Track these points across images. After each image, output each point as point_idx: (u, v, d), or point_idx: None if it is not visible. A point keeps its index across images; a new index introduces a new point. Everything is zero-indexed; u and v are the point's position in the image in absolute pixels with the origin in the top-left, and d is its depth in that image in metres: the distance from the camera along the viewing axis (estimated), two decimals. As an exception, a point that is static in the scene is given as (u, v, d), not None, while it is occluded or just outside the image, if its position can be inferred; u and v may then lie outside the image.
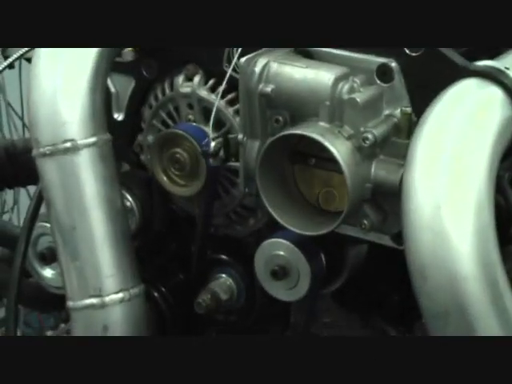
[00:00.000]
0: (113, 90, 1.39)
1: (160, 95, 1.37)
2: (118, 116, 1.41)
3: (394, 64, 1.22)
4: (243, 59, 1.24)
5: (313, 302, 1.32)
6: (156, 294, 1.39)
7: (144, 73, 1.39)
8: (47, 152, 1.30)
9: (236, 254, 1.39)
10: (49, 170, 1.31)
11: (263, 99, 1.24)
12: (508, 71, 1.17)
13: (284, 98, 1.24)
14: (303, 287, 1.28)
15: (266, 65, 1.24)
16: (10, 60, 1.47)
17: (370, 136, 1.18)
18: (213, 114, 1.29)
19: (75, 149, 1.29)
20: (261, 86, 1.24)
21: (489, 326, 1.10)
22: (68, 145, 1.29)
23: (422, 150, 1.12)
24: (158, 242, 1.42)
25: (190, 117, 1.35)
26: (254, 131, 1.26)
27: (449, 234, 1.08)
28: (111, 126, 1.37)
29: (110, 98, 1.42)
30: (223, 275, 1.39)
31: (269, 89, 1.23)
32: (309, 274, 1.27)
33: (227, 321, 1.41)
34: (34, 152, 1.31)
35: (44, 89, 1.31)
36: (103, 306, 1.31)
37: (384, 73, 1.23)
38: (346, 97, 1.20)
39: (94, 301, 1.31)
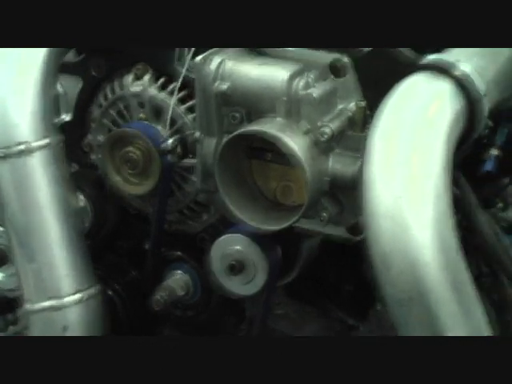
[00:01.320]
0: (60, 90, 1.38)
1: (110, 94, 1.38)
2: (66, 116, 1.40)
3: (346, 59, 1.24)
4: (198, 58, 1.25)
5: (269, 296, 1.32)
6: (110, 292, 1.38)
7: (93, 72, 1.39)
8: (1, 155, 1.30)
9: (190, 250, 1.40)
10: (3, 172, 1.31)
11: (219, 97, 1.25)
12: (459, 63, 1.18)
13: (240, 95, 1.25)
14: (260, 281, 1.29)
15: (221, 63, 1.25)
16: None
17: (327, 130, 1.20)
18: (169, 112, 1.32)
19: (28, 151, 1.30)
20: (216, 84, 1.25)
21: (450, 310, 1.12)
22: (21, 147, 1.30)
23: (380, 143, 1.13)
24: (111, 239, 1.42)
25: (141, 115, 1.36)
26: (211, 128, 1.27)
27: (409, 223, 1.10)
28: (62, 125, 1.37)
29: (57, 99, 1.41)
30: (179, 271, 1.40)
31: (224, 86, 1.24)
32: (266, 268, 1.29)
33: (184, 316, 1.42)
34: None
35: None
36: (61, 307, 1.33)
37: (337, 68, 1.25)
38: (301, 92, 1.22)
39: (52, 302, 1.32)
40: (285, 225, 1.22)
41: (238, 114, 1.26)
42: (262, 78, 1.25)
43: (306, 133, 1.22)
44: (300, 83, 1.23)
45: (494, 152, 1.34)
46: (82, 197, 1.37)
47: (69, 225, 1.33)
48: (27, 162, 1.31)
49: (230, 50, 1.28)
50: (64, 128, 1.38)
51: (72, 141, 1.38)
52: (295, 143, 1.19)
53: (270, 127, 1.21)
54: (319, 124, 1.22)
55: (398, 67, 1.22)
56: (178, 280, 1.39)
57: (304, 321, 1.46)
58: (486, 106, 1.21)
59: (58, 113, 1.41)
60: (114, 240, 1.44)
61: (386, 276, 1.12)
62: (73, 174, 1.36)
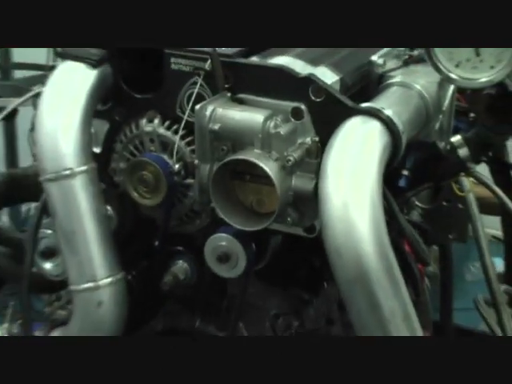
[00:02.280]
0: (92, 130, 1.40)
1: (128, 133, 1.42)
2: (97, 149, 1.43)
3: (303, 106, 1.29)
4: (198, 106, 1.29)
5: (247, 277, 1.38)
6: (129, 277, 1.40)
7: (116, 117, 1.44)
8: (52, 178, 1.35)
9: (188, 246, 1.45)
10: (53, 191, 1.36)
11: (212, 134, 1.29)
12: (383, 109, 1.25)
13: (227, 132, 1.29)
14: (240, 267, 1.34)
15: (213, 110, 1.29)
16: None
17: (291, 158, 1.26)
18: (175, 147, 1.34)
19: (73, 175, 1.34)
20: (210, 125, 1.29)
21: (383, 286, 1.18)
22: (67, 172, 1.35)
23: (331, 167, 1.21)
24: (130, 238, 1.44)
25: (152, 148, 1.40)
26: (206, 157, 1.31)
27: (354, 224, 1.17)
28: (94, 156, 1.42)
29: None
30: (180, 261, 1.44)
31: (216, 127, 1.28)
32: (244, 258, 1.33)
33: (184, 294, 1.44)
34: (41, 178, 1.37)
35: (46, 128, 1.35)
36: (97, 288, 1.37)
37: (296, 113, 1.29)
38: (272, 131, 1.27)
39: (90, 285, 1.37)
40: (261, 227, 1.28)
41: (225, 147, 1.31)
42: (243, 121, 1.29)
43: (276, 160, 1.27)
44: (271, 124, 1.29)
45: (405, 172, 1.37)
46: (109, 207, 1.38)
47: (101, 228, 1.39)
48: (71, 183, 1.36)
49: (219, 100, 1.31)
50: (95, 158, 1.41)
51: (101, 167, 1.40)
52: (269, 168, 1.24)
53: (250, 156, 1.26)
54: (285, 154, 1.28)
55: (341, 112, 1.24)
56: (179, 267, 1.44)
57: (270, 295, 1.47)
58: (404, 139, 1.25)
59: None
60: (132, 239, 1.43)
61: (338, 262, 1.19)
62: (102, 191, 1.35)
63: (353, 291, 1.18)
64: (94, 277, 1.35)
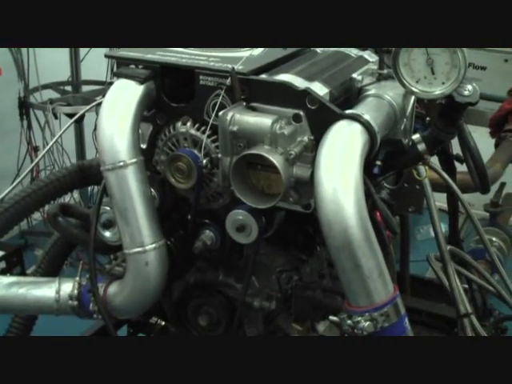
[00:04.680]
0: (140, 131, 1.32)
1: (167, 133, 1.34)
2: (143, 145, 1.35)
3: (301, 113, 1.21)
4: (221, 113, 1.22)
5: (259, 243, 1.30)
6: (169, 242, 1.33)
7: (158, 121, 1.35)
8: (110, 168, 1.27)
9: (214, 219, 1.37)
10: (111, 178, 1.28)
11: (231, 134, 1.22)
12: (363, 115, 1.18)
13: (243, 133, 1.22)
14: (253, 235, 1.27)
15: (233, 115, 1.22)
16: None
17: (293, 152, 1.19)
18: (203, 144, 1.27)
19: (125, 166, 1.26)
20: (230, 127, 1.22)
21: (364, 252, 1.12)
22: (121, 164, 1.26)
23: (323, 159, 1.14)
24: (169, 214, 1.37)
25: (185, 145, 1.32)
26: (227, 152, 1.24)
27: (341, 204, 1.10)
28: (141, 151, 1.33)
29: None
30: (207, 231, 1.37)
31: (235, 128, 1.21)
32: (257, 228, 1.26)
33: (210, 256, 1.37)
34: (102, 168, 1.28)
35: (105, 130, 1.27)
36: (145, 251, 1.29)
37: (297, 118, 1.22)
38: (278, 131, 1.20)
39: (139, 249, 1.29)
40: (270, 205, 1.21)
41: (242, 144, 1.23)
42: (255, 123, 1.21)
43: (281, 154, 1.20)
44: (277, 126, 1.21)
45: (379, 163, 1.29)
46: (153, 190, 1.30)
47: (147, 205, 1.30)
48: (124, 172, 1.27)
49: (237, 108, 1.24)
50: (142, 152, 1.32)
51: (146, 159, 1.32)
52: (275, 160, 1.17)
53: (261, 151, 1.19)
54: (288, 149, 1.20)
55: (330, 116, 1.17)
56: (207, 235, 1.36)
57: (276, 256, 1.41)
58: (379, 138, 1.18)
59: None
60: (171, 214, 1.36)
61: (328, 233, 1.12)
62: (148, 177, 1.27)
63: (340, 255, 1.11)
64: (142, 243, 1.26)
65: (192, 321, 1.46)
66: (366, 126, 1.16)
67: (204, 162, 1.26)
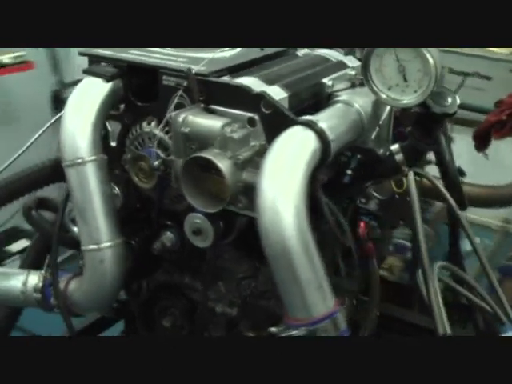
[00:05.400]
0: (110, 129, 1.32)
1: (134, 132, 1.33)
2: (113, 143, 1.34)
3: (256, 117, 1.18)
4: (173, 114, 1.20)
5: (216, 247, 1.27)
6: (133, 242, 1.32)
7: (126, 120, 1.34)
8: (69, 164, 1.27)
9: (175, 220, 1.34)
10: (70, 175, 1.28)
11: (183, 136, 1.20)
12: (318, 122, 1.14)
13: (195, 135, 1.20)
14: (210, 240, 1.24)
15: (185, 117, 1.20)
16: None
17: (240, 157, 1.16)
18: (156, 141, 1.26)
19: (84, 163, 1.27)
20: (182, 129, 1.20)
21: (301, 264, 1.08)
22: (80, 160, 1.26)
23: (268, 166, 1.11)
24: (134, 213, 1.36)
25: (150, 144, 1.29)
26: (179, 154, 1.22)
27: (281, 213, 1.06)
28: (110, 149, 1.34)
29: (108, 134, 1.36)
30: (168, 232, 1.35)
31: (186, 130, 1.20)
32: (213, 233, 1.24)
33: (170, 257, 1.36)
34: (63, 164, 1.28)
35: (67, 127, 1.27)
36: (99, 249, 1.29)
37: (251, 122, 1.19)
38: (228, 135, 1.17)
39: (94, 246, 1.29)
40: (216, 209, 1.18)
41: (194, 146, 1.22)
42: (206, 126, 1.20)
43: (230, 158, 1.16)
44: (228, 129, 1.18)
45: (349, 172, 1.24)
46: (118, 189, 1.30)
47: (106, 204, 1.30)
48: (83, 169, 1.27)
49: (194, 110, 1.21)
50: (112, 150, 1.34)
51: (115, 157, 1.33)
52: (222, 163, 1.14)
53: (208, 154, 1.16)
54: (237, 153, 1.16)
55: (284, 122, 1.14)
56: (167, 237, 1.35)
57: (240, 262, 1.38)
58: (334, 146, 1.14)
59: (109, 141, 1.36)
60: (136, 213, 1.36)
61: (266, 242, 1.09)
62: (115, 176, 1.27)
63: (278, 265, 1.07)
64: (98, 241, 1.26)
65: (158, 322, 1.45)
66: (319, 133, 1.12)
67: (156, 163, 1.24)
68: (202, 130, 1.18)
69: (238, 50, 1.37)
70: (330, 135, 1.13)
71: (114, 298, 1.33)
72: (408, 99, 1.19)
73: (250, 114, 1.18)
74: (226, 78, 1.23)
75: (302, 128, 1.13)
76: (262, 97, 1.17)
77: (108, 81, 1.28)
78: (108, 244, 1.27)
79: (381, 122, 1.32)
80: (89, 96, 1.28)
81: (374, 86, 1.21)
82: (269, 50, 1.38)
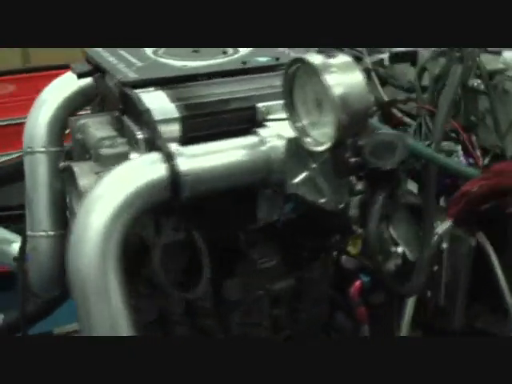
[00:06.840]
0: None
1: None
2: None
3: (140, 136, 1.07)
4: (72, 118, 1.20)
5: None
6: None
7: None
8: (24, 151, 1.33)
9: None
10: (25, 161, 1.34)
11: (78, 141, 1.18)
12: (180, 155, 1.00)
13: (87, 143, 1.15)
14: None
15: (84, 123, 1.17)
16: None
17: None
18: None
19: (33, 152, 1.32)
20: (78, 135, 1.17)
21: (96, 307, 0.97)
22: (29, 149, 1.32)
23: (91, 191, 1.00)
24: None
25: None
26: (79, 158, 1.19)
27: (80, 253, 0.96)
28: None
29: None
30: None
31: (80, 136, 1.16)
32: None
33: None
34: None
35: (32, 117, 1.32)
36: (34, 236, 1.33)
37: (136, 140, 1.07)
38: (101, 149, 1.09)
39: (31, 233, 1.33)
40: None
41: (88, 155, 1.15)
42: (90, 136, 1.14)
43: (96, 173, 1.07)
44: (105, 143, 1.10)
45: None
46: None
47: (51, 196, 1.32)
48: (34, 158, 1.32)
49: (100, 118, 1.18)
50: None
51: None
52: (84, 179, 1.08)
53: (75, 166, 1.10)
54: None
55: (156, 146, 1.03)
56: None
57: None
58: (191, 186, 1.01)
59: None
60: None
61: (69, 278, 0.98)
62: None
63: (78, 305, 0.97)
64: (35, 228, 1.31)
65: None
66: (171, 168, 0.98)
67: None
68: (89, 141, 1.13)
69: (220, 59, 1.25)
70: (187, 170, 0.98)
71: (55, 284, 1.35)
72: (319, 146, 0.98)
73: (138, 133, 1.07)
74: (136, 90, 1.13)
75: (157, 157, 1.00)
76: (148, 114, 1.05)
77: (78, 78, 1.29)
78: (42, 233, 1.30)
79: (314, 166, 1.08)
80: (57, 90, 1.32)
81: (296, 122, 1.02)
82: (252, 64, 1.23)
